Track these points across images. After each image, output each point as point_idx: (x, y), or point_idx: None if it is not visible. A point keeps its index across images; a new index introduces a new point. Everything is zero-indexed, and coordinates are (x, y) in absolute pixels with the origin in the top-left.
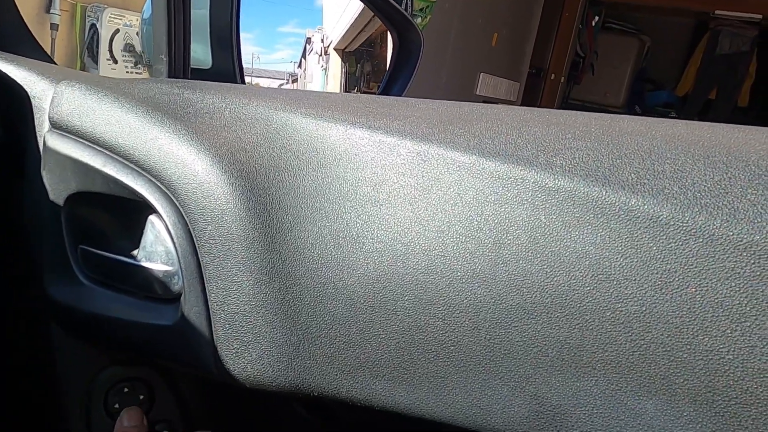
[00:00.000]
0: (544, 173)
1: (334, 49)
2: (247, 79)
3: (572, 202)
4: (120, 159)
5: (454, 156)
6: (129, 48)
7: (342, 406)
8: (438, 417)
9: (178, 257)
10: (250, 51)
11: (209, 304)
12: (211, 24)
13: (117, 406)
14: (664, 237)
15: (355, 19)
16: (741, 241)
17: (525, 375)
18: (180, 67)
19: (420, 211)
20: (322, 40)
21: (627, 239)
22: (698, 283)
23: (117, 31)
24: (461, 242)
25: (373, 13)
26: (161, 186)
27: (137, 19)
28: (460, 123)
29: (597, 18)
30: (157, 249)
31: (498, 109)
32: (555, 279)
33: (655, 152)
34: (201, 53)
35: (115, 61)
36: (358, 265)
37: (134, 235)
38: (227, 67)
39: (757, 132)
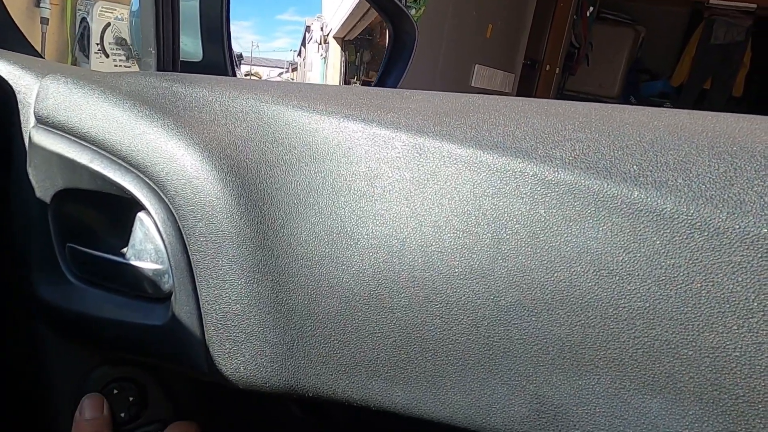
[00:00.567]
0: (543, 166)
1: (334, 37)
2: (246, 68)
3: (573, 196)
4: (107, 155)
5: (451, 149)
6: (120, 42)
7: (338, 406)
8: (436, 417)
9: (168, 255)
10: (249, 39)
11: (200, 303)
12: (201, 15)
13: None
14: (668, 231)
15: (354, 7)
16: (748, 234)
17: (525, 373)
18: (169, 60)
19: (416, 205)
20: (322, 29)
21: (629, 233)
22: (703, 278)
23: (108, 24)
24: (459, 237)
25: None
26: (150, 182)
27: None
28: (456, 114)
29: (592, 8)
30: (147, 247)
31: (495, 100)
32: (555, 275)
33: (658, 143)
34: (191, 46)
35: (107, 55)
36: (352, 261)
37: (123, 232)
38: (218, 60)
39: (763, 121)
